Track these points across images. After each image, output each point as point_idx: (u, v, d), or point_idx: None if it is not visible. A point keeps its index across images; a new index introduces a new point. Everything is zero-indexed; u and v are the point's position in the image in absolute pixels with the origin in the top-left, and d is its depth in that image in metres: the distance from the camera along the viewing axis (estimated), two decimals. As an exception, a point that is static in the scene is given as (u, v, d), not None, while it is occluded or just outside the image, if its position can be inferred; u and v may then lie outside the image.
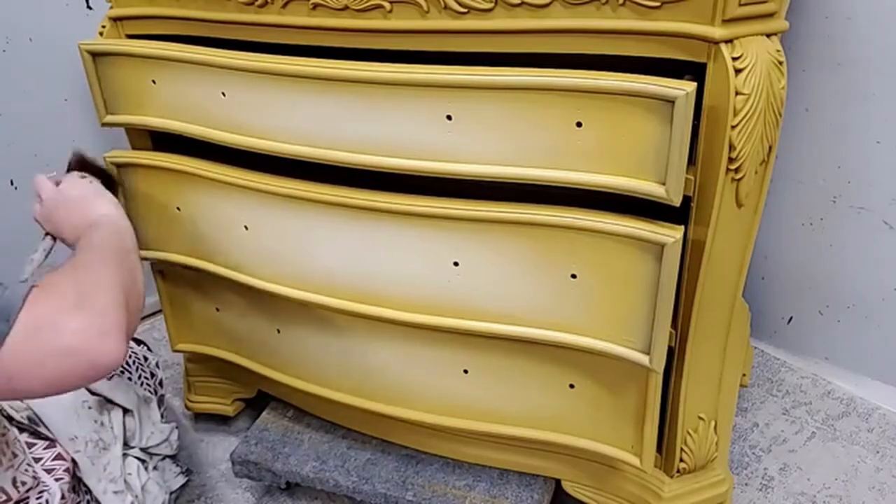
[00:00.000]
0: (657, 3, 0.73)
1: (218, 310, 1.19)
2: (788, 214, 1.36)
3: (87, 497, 0.96)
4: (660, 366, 0.85)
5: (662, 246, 0.77)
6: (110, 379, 1.06)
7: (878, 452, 1.27)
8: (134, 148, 1.14)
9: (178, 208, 1.08)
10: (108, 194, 0.94)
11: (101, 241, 0.80)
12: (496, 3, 0.79)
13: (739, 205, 0.82)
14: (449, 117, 0.82)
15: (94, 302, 0.65)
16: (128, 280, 0.73)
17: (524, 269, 0.87)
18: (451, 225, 0.88)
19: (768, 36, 0.76)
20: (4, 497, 0.80)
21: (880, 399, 1.36)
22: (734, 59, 0.73)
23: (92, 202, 0.91)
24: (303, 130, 0.91)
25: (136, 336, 1.26)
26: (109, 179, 1.04)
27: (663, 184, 0.75)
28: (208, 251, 1.09)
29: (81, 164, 1.01)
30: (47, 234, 0.94)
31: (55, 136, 1.48)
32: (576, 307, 0.87)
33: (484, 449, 1.11)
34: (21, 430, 0.93)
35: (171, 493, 1.16)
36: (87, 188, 0.94)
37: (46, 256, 0.95)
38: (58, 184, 0.95)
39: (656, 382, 0.89)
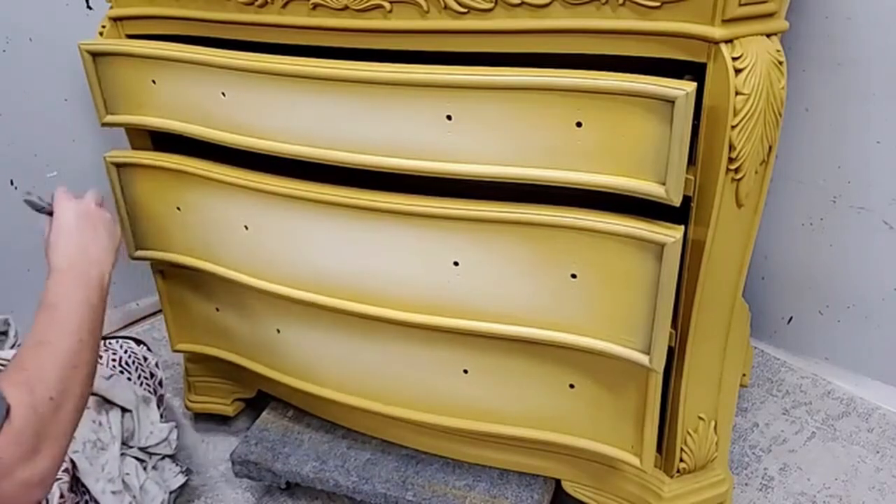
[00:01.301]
0: (657, 3, 0.73)
1: (218, 310, 1.19)
2: (788, 214, 1.36)
3: (86, 497, 0.96)
4: (660, 366, 0.85)
5: (662, 246, 0.77)
6: (108, 378, 1.06)
7: (878, 452, 1.27)
8: (134, 148, 1.14)
9: (178, 208, 1.08)
10: (117, 237, 0.94)
11: (75, 312, 0.80)
12: (496, 3, 0.79)
13: (739, 205, 0.82)
14: (449, 117, 0.82)
15: (46, 450, 0.70)
16: (86, 386, 0.78)
17: (524, 269, 0.87)
18: (450, 225, 0.88)
19: (768, 36, 0.76)
20: (4, 497, 0.80)
21: (880, 399, 1.36)
22: (734, 59, 0.73)
23: (94, 241, 0.90)
24: (303, 130, 0.91)
25: (135, 336, 1.26)
26: None
27: (663, 184, 0.75)
28: (208, 251, 1.09)
29: None
30: (51, 211, 0.92)
31: (55, 136, 1.49)
32: (576, 307, 0.87)
33: (484, 449, 1.11)
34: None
35: (171, 493, 1.16)
36: (104, 223, 0.93)
37: (30, 204, 0.95)
38: (100, 204, 0.96)
39: (656, 382, 0.89)
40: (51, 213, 0.92)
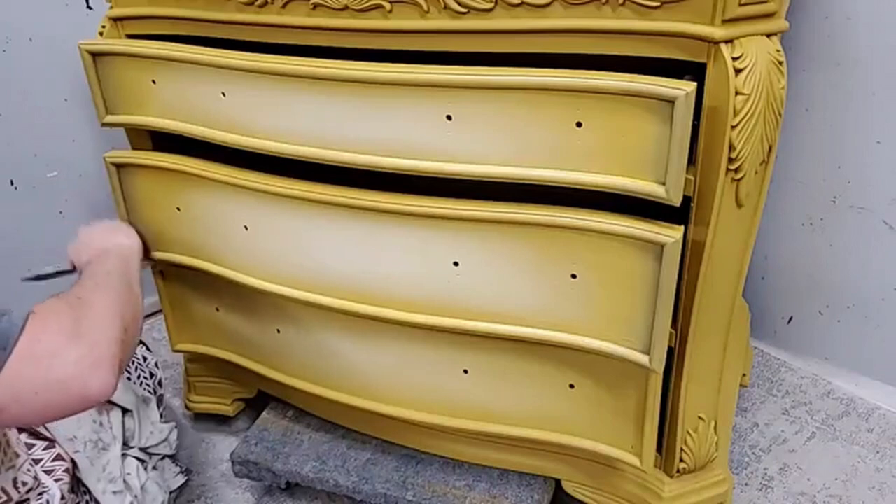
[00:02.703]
0: (657, 3, 0.73)
1: (218, 310, 1.19)
2: (788, 214, 1.36)
3: (87, 497, 0.96)
4: (660, 366, 0.85)
5: (662, 246, 0.77)
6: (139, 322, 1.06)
7: (878, 452, 1.27)
8: (134, 148, 1.14)
9: (178, 208, 1.08)
10: (137, 237, 1.00)
11: (107, 272, 0.83)
12: (496, 3, 0.79)
13: (739, 205, 0.82)
14: (449, 117, 0.82)
15: (89, 333, 0.67)
16: (127, 314, 0.76)
17: (524, 269, 0.87)
18: (451, 225, 0.88)
19: (768, 36, 0.76)
20: (5, 498, 0.80)
21: (880, 399, 1.36)
22: (734, 59, 0.73)
23: (115, 234, 0.97)
24: (302, 130, 0.91)
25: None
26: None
27: (663, 184, 0.75)
28: (208, 251, 1.09)
29: None
30: (73, 265, 0.96)
31: (55, 136, 1.49)
32: (576, 307, 0.87)
33: (484, 449, 1.11)
34: (21, 430, 0.93)
35: (171, 493, 1.16)
36: (122, 225, 1.03)
37: (56, 275, 0.99)
38: None
39: (656, 382, 0.89)
40: (73, 269, 0.96)
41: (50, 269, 0.99)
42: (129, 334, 0.74)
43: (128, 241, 0.97)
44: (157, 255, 1.14)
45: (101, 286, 0.78)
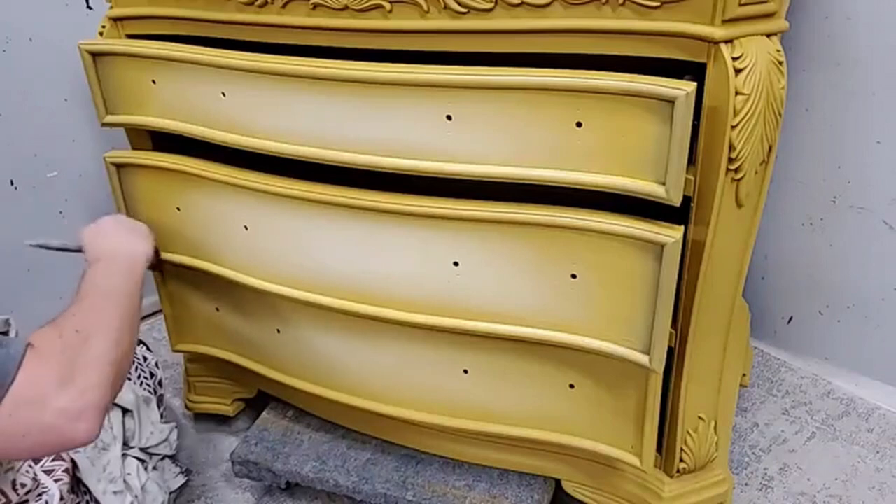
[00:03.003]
0: (657, 3, 0.73)
1: (218, 310, 1.19)
2: (788, 214, 1.36)
3: (87, 497, 0.96)
4: (660, 366, 0.85)
5: (662, 246, 0.77)
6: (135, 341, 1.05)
7: (878, 452, 1.27)
8: (134, 148, 1.14)
9: (178, 208, 1.08)
10: (151, 239, 1.00)
11: (111, 287, 0.83)
12: (496, 3, 0.79)
13: (739, 205, 0.82)
14: (449, 117, 0.82)
15: (81, 379, 0.69)
16: (125, 339, 0.78)
17: (524, 270, 0.87)
18: (450, 225, 0.88)
19: (768, 36, 0.76)
20: (4, 500, 0.80)
21: (880, 399, 1.36)
22: (734, 59, 0.73)
23: (128, 235, 0.97)
24: (302, 130, 0.91)
25: (135, 336, 1.26)
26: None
27: (663, 184, 0.75)
28: (208, 251, 1.09)
29: None
30: (81, 247, 0.96)
31: (55, 136, 1.49)
32: (576, 307, 0.87)
33: (484, 449, 1.11)
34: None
35: (171, 493, 1.16)
36: (137, 225, 1.01)
37: (59, 250, 1.00)
38: None
39: (656, 382, 0.89)
40: (79, 250, 0.95)
41: (56, 243, 1.00)
42: (122, 364, 0.76)
43: (140, 246, 0.95)
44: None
45: (100, 308, 0.78)
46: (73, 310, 0.77)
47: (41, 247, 1.00)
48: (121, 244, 0.93)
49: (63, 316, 0.76)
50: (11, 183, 1.47)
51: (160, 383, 1.20)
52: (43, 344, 0.69)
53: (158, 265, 1.13)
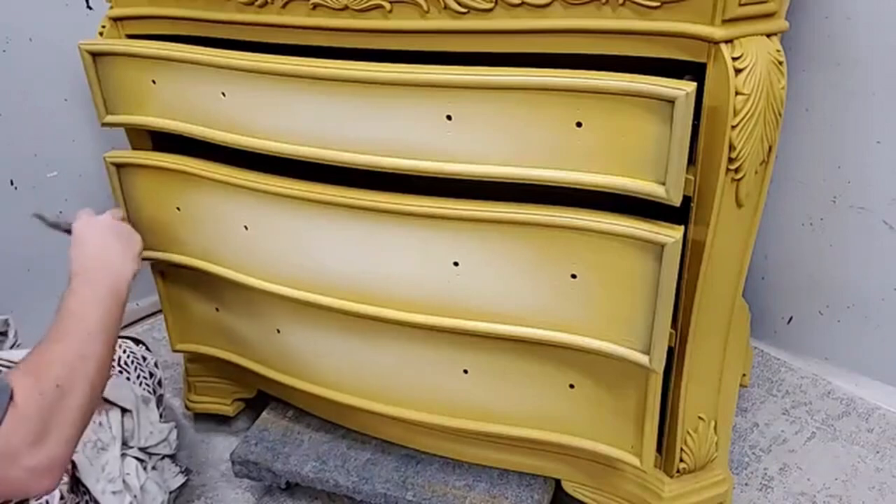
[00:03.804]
0: (657, 3, 0.73)
1: (218, 310, 1.19)
2: (788, 214, 1.36)
3: (86, 497, 0.96)
4: (660, 366, 0.85)
5: (662, 246, 0.77)
6: (108, 379, 1.05)
7: (878, 452, 1.27)
8: (134, 148, 1.14)
9: (178, 208, 1.08)
10: (136, 250, 0.98)
11: (92, 317, 0.83)
12: (496, 3, 0.79)
13: (739, 205, 0.82)
14: (449, 117, 0.82)
15: (52, 438, 0.72)
16: (100, 380, 0.80)
17: (524, 269, 0.87)
18: (450, 225, 0.88)
19: (768, 36, 0.76)
20: (5, 500, 0.80)
21: (880, 399, 1.36)
22: (734, 59, 0.73)
23: (115, 248, 0.94)
24: (302, 130, 0.91)
25: (135, 336, 1.26)
26: None
27: (663, 184, 0.75)
28: (208, 251, 1.09)
29: None
30: (70, 229, 0.96)
31: (55, 136, 1.49)
32: (576, 307, 0.87)
33: (484, 449, 1.11)
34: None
35: (171, 493, 1.16)
36: (125, 235, 0.98)
37: (50, 225, 1.01)
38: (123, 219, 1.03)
39: (656, 382, 0.89)
40: (68, 232, 0.96)
41: (49, 218, 1.01)
42: (93, 406, 0.79)
43: (126, 266, 0.93)
44: (158, 255, 1.14)
45: (81, 354, 0.79)
46: (55, 352, 0.78)
47: (38, 217, 1.01)
48: (108, 259, 0.91)
49: (45, 359, 0.76)
50: (11, 183, 1.47)
51: (160, 383, 1.20)
52: (23, 401, 0.71)
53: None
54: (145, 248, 1.13)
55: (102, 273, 0.89)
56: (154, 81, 1.01)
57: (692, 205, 0.82)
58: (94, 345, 0.80)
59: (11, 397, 0.70)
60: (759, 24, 0.75)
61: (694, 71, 0.75)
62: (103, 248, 0.93)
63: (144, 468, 1.09)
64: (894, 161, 1.20)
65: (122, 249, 0.95)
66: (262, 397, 1.31)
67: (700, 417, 0.99)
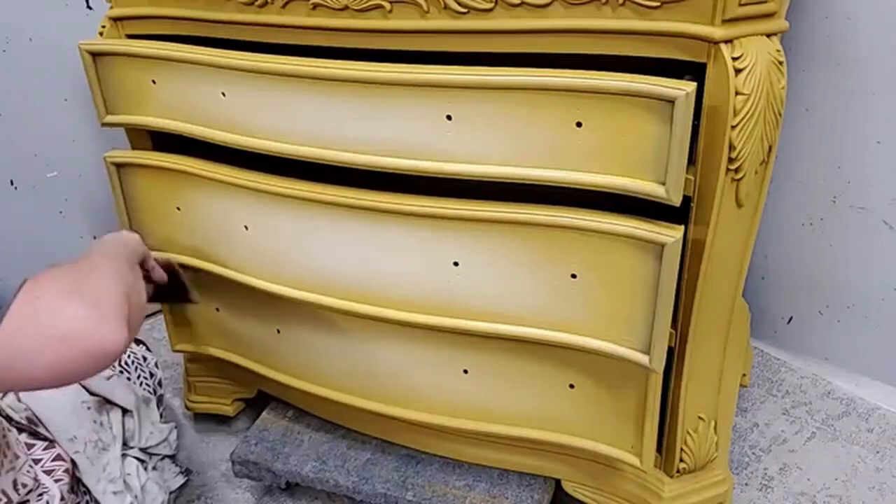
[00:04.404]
0: (657, 3, 0.73)
1: (218, 310, 1.19)
2: (788, 214, 1.36)
3: (87, 497, 0.96)
4: (660, 366, 0.85)
5: (662, 246, 0.77)
6: (109, 379, 1.06)
7: (878, 452, 1.27)
8: (134, 148, 1.14)
9: (178, 208, 1.08)
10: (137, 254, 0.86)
11: (101, 251, 0.76)
12: (496, 3, 0.79)
13: (739, 205, 0.82)
14: (449, 117, 0.82)
15: (92, 291, 0.63)
16: (129, 279, 0.71)
17: (524, 269, 0.87)
18: (451, 225, 0.88)
19: (768, 36, 0.76)
20: (5, 500, 0.80)
21: (880, 399, 1.36)
22: (734, 59, 0.73)
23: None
24: (302, 130, 0.91)
25: (135, 336, 1.25)
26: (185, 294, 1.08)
27: (663, 184, 0.75)
28: (208, 251, 1.09)
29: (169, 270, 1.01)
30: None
31: (55, 136, 1.49)
32: (576, 307, 0.87)
33: (484, 449, 1.11)
34: (20, 430, 0.93)
35: (171, 493, 1.16)
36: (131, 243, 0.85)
37: None
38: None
39: (656, 382, 0.89)
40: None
41: None
42: (133, 297, 0.69)
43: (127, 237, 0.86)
44: (157, 255, 1.13)
45: (98, 257, 0.72)
46: (70, 261, 0.69)
47: None
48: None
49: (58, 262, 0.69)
50: (11, 183, 1.47)
51: (160, 383, 1.20)
52: (41, 273, 0.63)
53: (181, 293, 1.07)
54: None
55: (100, 242, 0.81)
56: (154, 81, 1.01)
57: (692, 205, 0.82)
58: (109, 255, 0.72)
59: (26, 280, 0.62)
60: (759, 24, 0.75)
61: (694, 71, 0.75)
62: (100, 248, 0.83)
63: (145, 468, 1.09)
64: (894, 161, 1.20)
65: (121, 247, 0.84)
66: (262, 397, 1.31)
67: (700, 417, 0.99)
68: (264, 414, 1.28)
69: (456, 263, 0.90)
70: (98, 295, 0.63)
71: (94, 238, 0.95)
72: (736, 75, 0.73)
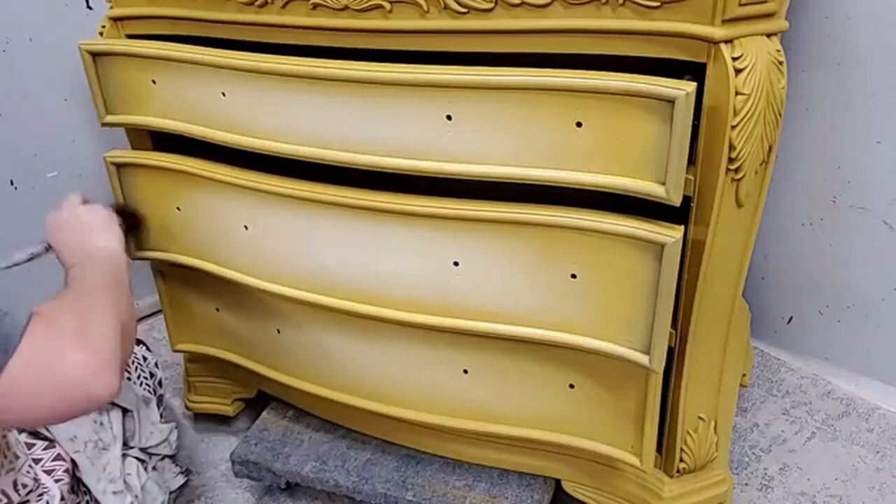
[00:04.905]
0: (657, 3, 0.73)
1: (218, 310, 1.19)
2: (788, 214, 1.36)
3: (87, 497, 0.96)
4: (660, 366, 0.85)
5: (662, 246, 0.77)
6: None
7: (878, 452, 1.27)
8: (134, 148, 1.14)
9: (178, 208, 1.08)
10: (116, 230, 0.95)
11: (99, 275, 0.81)
12: (496, 3, 0.79)
13: (739, 205, 0.82)
14: (449, 117, 0.82)
15: (94, 337, 0.67)
16: (125, 314, 0.75)
17: (524, 270, 0.87)
18: (451, 225, 0.88)
19: (768, 36, 0.76)
20: (6, 500, 0.80)
21: (880, 399, 1.36)
22: (734, 59, 0.73)
23: (95, 233, 0.92)
24: (302, 130, 0.91)
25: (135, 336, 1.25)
26: (138, 222, 1.09)
27: (663, 184, 0.75)
28: (208, 251, 1.09)
29: (117, 211, 1.01)
30: (48, 244, 0.94)
31: (55, 136, 1.49)
32: (576, 307, 0.87)
33: (484, 449, 1.11)
34: (20, 430, 0.93)
35: (171, 493, 1.16)
36: (97, 218, 0.95)
37: (29, 260, 0.96)
38: (85, 202, 0.97)
39: (656, 382, 0.89)
40: (47, 249, 0.94)
41: (22, 256, 0.95)
42: (126, 339, 0.73)
43: (116, 245, 0.92)
44: (158, 254, 1.14)
45: (96, 291, 0.76)
46: (72, 289, 0.75)
47: (12, 267, 0.95)
48: (90, 244, 0.89)
49: (63, 293, 0.74)
50: (11, 183, 1.47)
51: (160, 383, 1.20)
52: (48, 309, 0.67)
53: (134, 223, 1.08)
54: (146, 248, 1.13)
55: (96, 254, 0.87)
56: (154, 81, 1.01)
57: (692, 205, 0.82)
58: (102, 285, 0.77)
59: (33, 313, 0.65)
60: (759, 24, 0.75)
61: (694, 71, 0.75)
62: (83, 234, 0.91)
63: (145, 468, 1.09)
64: (894, 161, 1.20)
65: (103, 230, 0.93)
66: (262, 397, 1.31)
67: (700, 417, 0.99)
68: (264, 414, 1.28)
69: (456, 263, 0.90)
70: (98, 342, 0.67)
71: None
72: (736, 75, 0.73)
